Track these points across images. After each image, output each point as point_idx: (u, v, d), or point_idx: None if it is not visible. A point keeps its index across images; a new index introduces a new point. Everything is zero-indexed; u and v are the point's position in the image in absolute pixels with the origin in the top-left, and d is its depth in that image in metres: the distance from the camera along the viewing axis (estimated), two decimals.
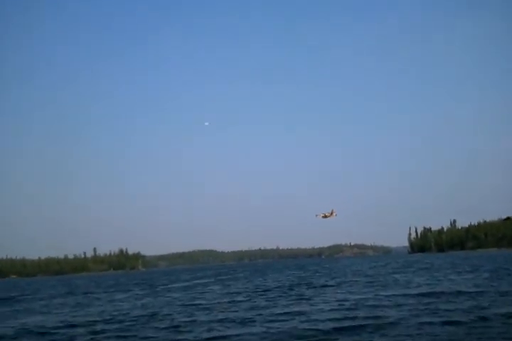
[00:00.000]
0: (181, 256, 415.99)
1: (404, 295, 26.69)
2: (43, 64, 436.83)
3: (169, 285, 56.07)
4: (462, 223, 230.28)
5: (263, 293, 34.60)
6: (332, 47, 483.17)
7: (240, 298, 30.86)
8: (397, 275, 45.44)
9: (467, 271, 46.85)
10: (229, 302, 28.92)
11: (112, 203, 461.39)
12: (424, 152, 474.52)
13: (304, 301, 26.95)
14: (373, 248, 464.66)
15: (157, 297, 37.35)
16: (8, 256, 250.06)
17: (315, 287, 37.46)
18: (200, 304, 28.48)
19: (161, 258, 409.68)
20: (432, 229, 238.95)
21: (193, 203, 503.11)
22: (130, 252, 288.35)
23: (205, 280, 63.40)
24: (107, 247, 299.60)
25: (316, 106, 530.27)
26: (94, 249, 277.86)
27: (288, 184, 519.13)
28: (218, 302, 28.71)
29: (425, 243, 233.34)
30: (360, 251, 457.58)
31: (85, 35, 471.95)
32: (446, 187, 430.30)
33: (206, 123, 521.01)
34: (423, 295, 26.03)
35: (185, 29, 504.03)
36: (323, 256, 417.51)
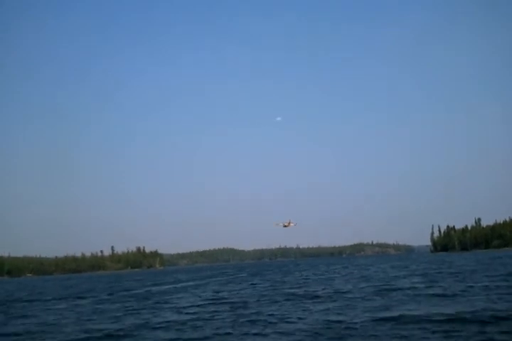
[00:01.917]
0: (202, 254, 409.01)
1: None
2: (43, 62, 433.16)
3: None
4: (487, 221, 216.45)
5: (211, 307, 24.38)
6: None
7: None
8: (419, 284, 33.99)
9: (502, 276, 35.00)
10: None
11: (133, 203, 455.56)
12: (448, 151, 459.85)
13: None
14: (395, 247, 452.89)
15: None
16: (26, 255, 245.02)
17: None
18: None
19: (182, 256, 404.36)
20: (456, 227, 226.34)
21: (215, 203, 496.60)
22: (148, 250, 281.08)
23: (190, 283, 52.91)
24: (127, 246, 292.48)
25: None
26: (112, 247, 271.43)
27: (310, 183, 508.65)
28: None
29: (448, 242, 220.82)
30: (382, 249, 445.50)
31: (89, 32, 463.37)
32: (470, 185, 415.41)
33: (278, 118, 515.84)
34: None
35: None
36: (343, 255, 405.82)
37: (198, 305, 25.40)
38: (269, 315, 19.66)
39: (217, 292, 34.93)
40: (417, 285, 28.84)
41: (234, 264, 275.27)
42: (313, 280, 43.09)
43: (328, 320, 17.10)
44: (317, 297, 26.08)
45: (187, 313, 22.14)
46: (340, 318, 17.33)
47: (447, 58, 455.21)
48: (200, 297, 31.58)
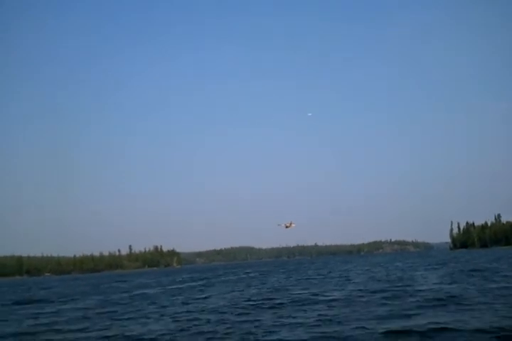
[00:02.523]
0: (219, 252, 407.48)
1: None
2: (43, 62, 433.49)
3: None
4: (507, 218, 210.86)
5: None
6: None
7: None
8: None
9: None
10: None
11: (150, 203, 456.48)
12: (467, 146, 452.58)
13: None
14: (414, 244, 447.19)
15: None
16: (44, 254, 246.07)
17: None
18: None
19: (199, 255, 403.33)
20: (475, 224, 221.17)
21: (231, 202, 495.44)
22: (165, 249, 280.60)
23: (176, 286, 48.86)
24: (145, 245, 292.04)
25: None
26: (130, 247, 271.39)
27: (325, 181, 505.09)
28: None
29: (468, 238, 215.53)
30: (401, 247, 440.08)
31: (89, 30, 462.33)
32: (490, 181, 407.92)
33: (309, 114, 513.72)
34: None
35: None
36: (362, 253, 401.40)
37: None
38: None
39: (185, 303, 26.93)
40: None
41: (250, 263, 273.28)
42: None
43: None
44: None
45: None
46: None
47: (447, 58, 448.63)
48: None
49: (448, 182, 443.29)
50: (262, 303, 22.69)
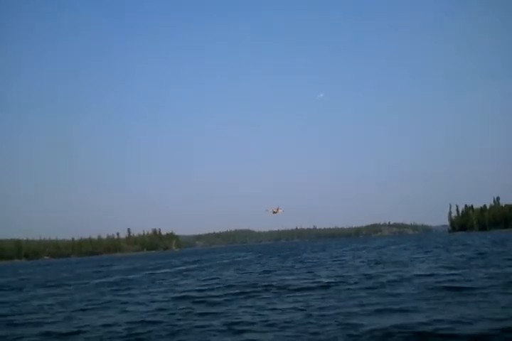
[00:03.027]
0: (218, 235, 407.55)
1: None
2: (43, 58, 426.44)
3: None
4: (506, 201, 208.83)
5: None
6: None
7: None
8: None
9: None
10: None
11: (149, 187, 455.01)
12: (464, 128, 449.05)
13: None
14: (413, 227, 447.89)
15: None
16: (42, 237, 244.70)
17: None
18: None
19: (199, 238, 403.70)
20: (474, 207, 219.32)
21: (230, 185, 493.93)
22: (164, 232, 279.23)
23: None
24: (144, 228, 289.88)
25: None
26: (128, 230, 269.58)
27: (324, 162, 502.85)
28: None
29: (467, 221, 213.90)
30: (399, 230, 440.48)
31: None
32: (489, 164, 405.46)
33: (321, 95, 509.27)
34: None
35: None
36: (360, 236, 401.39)
37: None
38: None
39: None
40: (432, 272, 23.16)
41: (248, 246, 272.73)
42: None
43: None
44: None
45: None
46: None
47: (447, 57, 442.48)
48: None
49: (447, 165, 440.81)
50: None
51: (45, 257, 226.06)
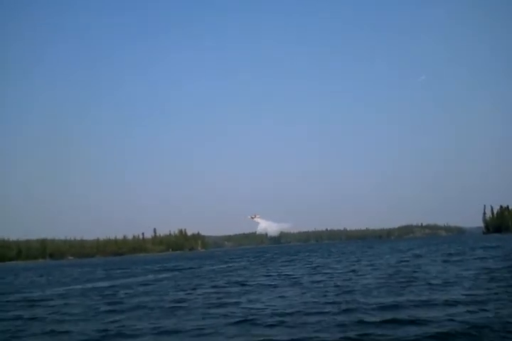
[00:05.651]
0: (247, 236, 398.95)
1: None
2: (43, 58, 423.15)
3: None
4: None
5: None
6: None
7: None
8: None
9: None
10: None
11: (186, 187, 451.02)
12: (502, 125, 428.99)
13: None
14: (446, 228, 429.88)
15: None
16: (67, 238, 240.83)
17: None
18: None
19: (228, 238, 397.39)
20: (510, 207, 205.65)
21: (260, 184, 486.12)
22: (190, 233, 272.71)
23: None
24: (171, 228, 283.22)
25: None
26: (154, 230, 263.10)
27: (357, 163, 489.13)
28: None
29: (502, 222, 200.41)
30: (432, 231, 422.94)
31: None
32: None
33: (422, 77, 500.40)
34: None
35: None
36: (392, 237, 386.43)
37: None
38: None
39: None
40: None
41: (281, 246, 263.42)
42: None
43: None
44: None
45: None
46: None
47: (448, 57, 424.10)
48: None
49: (482, 165, 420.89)
50: None
51: (70, 257, 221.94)
